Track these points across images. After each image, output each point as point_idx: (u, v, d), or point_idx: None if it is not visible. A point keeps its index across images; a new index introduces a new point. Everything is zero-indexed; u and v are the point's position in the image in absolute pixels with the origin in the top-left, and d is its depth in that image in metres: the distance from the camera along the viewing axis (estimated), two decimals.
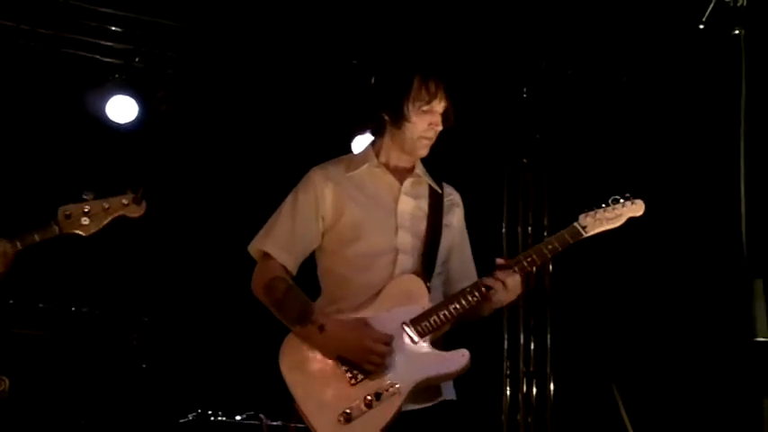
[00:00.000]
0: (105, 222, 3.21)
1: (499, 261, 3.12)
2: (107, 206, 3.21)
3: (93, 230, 3.20)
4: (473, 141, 6.50)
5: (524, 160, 7.22)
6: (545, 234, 7.03)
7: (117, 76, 6.25)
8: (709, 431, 5.15)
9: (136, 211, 3.24)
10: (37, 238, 3.15)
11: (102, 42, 6.14)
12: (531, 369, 6.98)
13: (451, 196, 3.39)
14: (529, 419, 6.86)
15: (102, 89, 6.26)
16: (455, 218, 3.37)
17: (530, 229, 7.12)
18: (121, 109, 6.27)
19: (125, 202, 3.23)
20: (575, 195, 6.55)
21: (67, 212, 3.17)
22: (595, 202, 3.22)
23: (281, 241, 3.19)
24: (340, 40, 6.13)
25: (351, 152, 5.34)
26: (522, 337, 7.03)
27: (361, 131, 6.48)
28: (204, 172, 6.73)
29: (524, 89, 6.73)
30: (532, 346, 7.01)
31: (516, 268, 3.09)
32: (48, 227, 3.16)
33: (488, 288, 3.06)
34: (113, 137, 6.38)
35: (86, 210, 3.18)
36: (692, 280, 5.49)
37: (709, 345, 5.26)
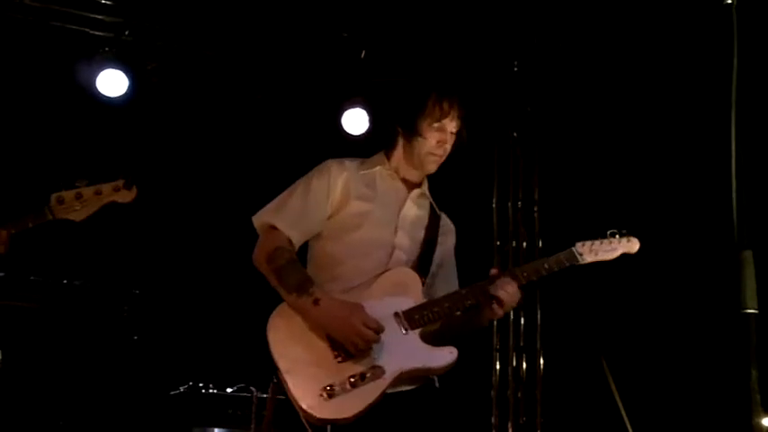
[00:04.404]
0: (96, 208, 3.29)
1: (494, 272, 3.18)
2: (99, 192, 3.28)
3: (84, 216, 3.28)
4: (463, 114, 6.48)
5: (514, 134, 7.21)
6: (535, 208, 7.03)
7: (107, 49, 6.21)
8: (699, 403, 5.18)
9: (126, 197, 3.32)
10: (30, 224, 3.23)
11: (92, 15, 6.11)
12: (521, 344, 6.99)
13: (447, 221, 3.51)
14: (519, 394, 6.87)
15: (92, 63, 6.22)
16: (449, 241, 3.48)
17: (519, 203, 7.11)
18: (112, 83, 6.23)
19: (116, 188, 3.30)
20: (564, 169, 6.56)
21: (60, 198, 3.24)
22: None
23: (290, 218, 3.23)
24: (331, 13, 6.10)
25: (340, 126, 6.04)
26: (511, 311, 7.01)
27: (351, 106, 6.47)
28: (195, 146, 6.71)
29: (515, 63, 6.73)
30: (522, 321, 7.01)
31: (516, 277, 3.15)
32: (41, 213, 3.23)
33: (495, 297, 3.08)
34: (104, 111, 6.35)
35: (79, 196, 3.25)
36: (682, 253, 5.50)
37: (698, 317, 5.29)
